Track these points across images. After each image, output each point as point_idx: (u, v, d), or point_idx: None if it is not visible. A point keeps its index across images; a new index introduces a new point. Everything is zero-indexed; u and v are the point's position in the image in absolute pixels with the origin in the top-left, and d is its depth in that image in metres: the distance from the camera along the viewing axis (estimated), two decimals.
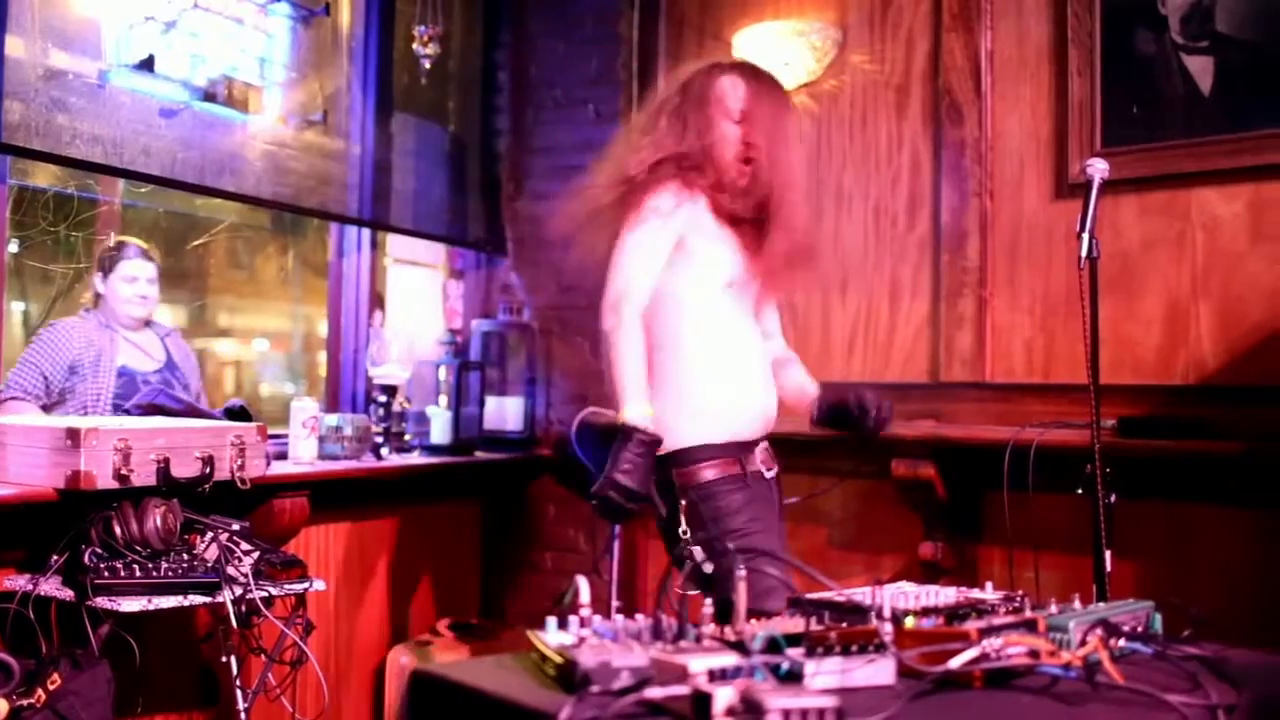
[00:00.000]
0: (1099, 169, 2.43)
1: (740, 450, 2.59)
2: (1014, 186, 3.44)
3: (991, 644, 1.23)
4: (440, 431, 4.12)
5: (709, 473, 2.53)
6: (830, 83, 3.81)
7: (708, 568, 2.11)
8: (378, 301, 4.26)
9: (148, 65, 3.21)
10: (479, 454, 4.16)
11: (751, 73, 2.73)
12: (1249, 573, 2.95)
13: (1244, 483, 2.95)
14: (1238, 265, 3.07)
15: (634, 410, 2.46)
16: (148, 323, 3.47)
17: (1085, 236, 2.36)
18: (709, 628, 1.30)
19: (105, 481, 2.58)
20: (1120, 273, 3.17)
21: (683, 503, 2.51)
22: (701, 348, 2.61)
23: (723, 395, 2.60)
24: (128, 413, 3.13)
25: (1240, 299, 3.06)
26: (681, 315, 2.61)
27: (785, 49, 3.80)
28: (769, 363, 2.78)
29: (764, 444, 2.70)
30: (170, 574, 2.58)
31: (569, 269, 4.16)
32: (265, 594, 2.70)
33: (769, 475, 2.68)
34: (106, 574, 2.52)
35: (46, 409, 3.18)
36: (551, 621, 1.30)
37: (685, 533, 2.48)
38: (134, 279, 3.37)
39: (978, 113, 3.49)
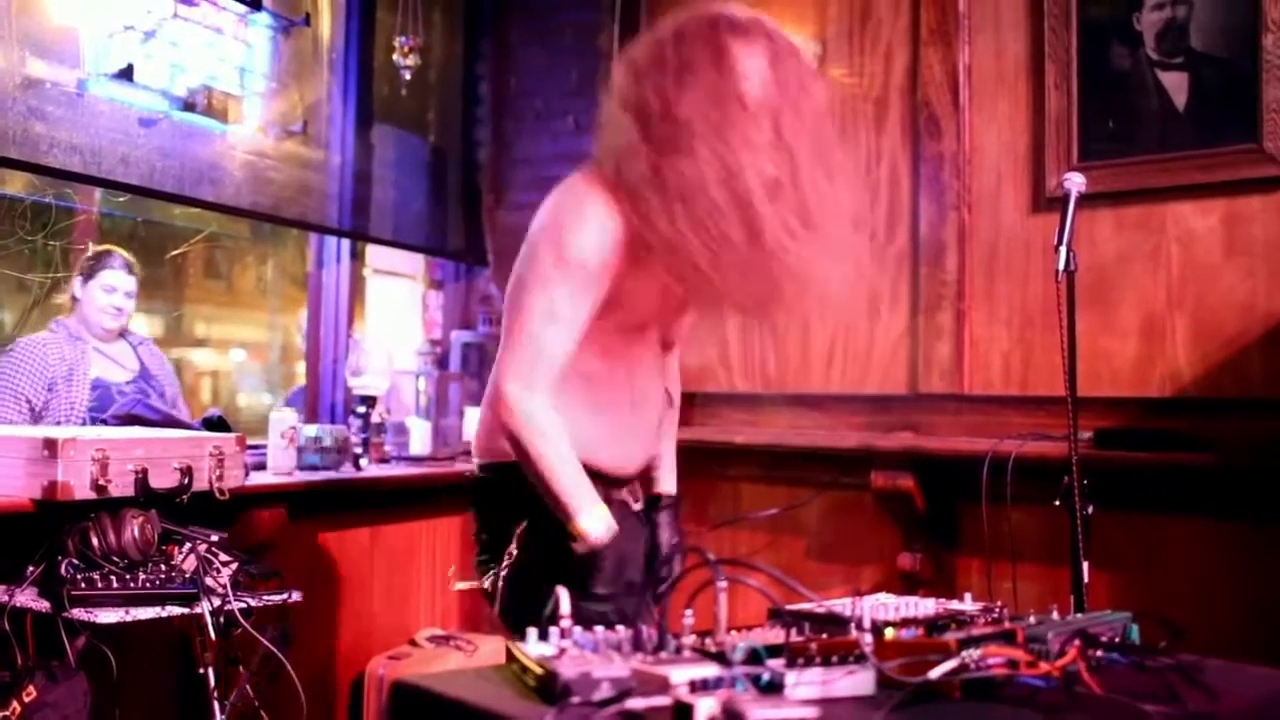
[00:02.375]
0: (1076, 183, 2.45)
1: (600, 481, 2.13)
2: (992, 200, 3.47)
3: (971, 655, 1.24)
4: (419, 442, 4.12)
5: None
6: None
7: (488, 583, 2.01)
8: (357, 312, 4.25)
9: (127, 74, 3.21)
10: (459, 465, 4.15)
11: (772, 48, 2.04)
12: (1225, 584, 2.97)
13: (1219, 494, 2.97)
14: (1212, 279, 3.10)
15: (593, 520, 2.01)
16: (121, 333, 3.45)
17: (1063, 250, 2.37)
18: (690, 639, 1.30)
19: (83, 492, 2.57)
20: (1097, 285, 3.19)
21: (523, 523, 2.10)
22: (582, 376, 2.13)
23: (594, 429, 2.15)
24: (105, 423, 3.12)
25: (1215, 312, 3.09)
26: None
27: None
28: (663, 413, 2.36)
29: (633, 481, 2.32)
30: (148, 585, 2.57)
31: None
32: (244, 605, 2.69)
33: (636, 507, 2.32)
34: (83, 585, 2.50)
35: None
36: (532, 632, 1.30)
37: (512, 554, 2.11)
38: (112, 289, 3.36)
39: (956, 126, 3.51)
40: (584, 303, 2.02)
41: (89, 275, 3.37)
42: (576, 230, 2.01)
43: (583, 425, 2.10)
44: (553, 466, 2.01)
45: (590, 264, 2.01)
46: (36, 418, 3.19)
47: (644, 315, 2.19)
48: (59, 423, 3.18)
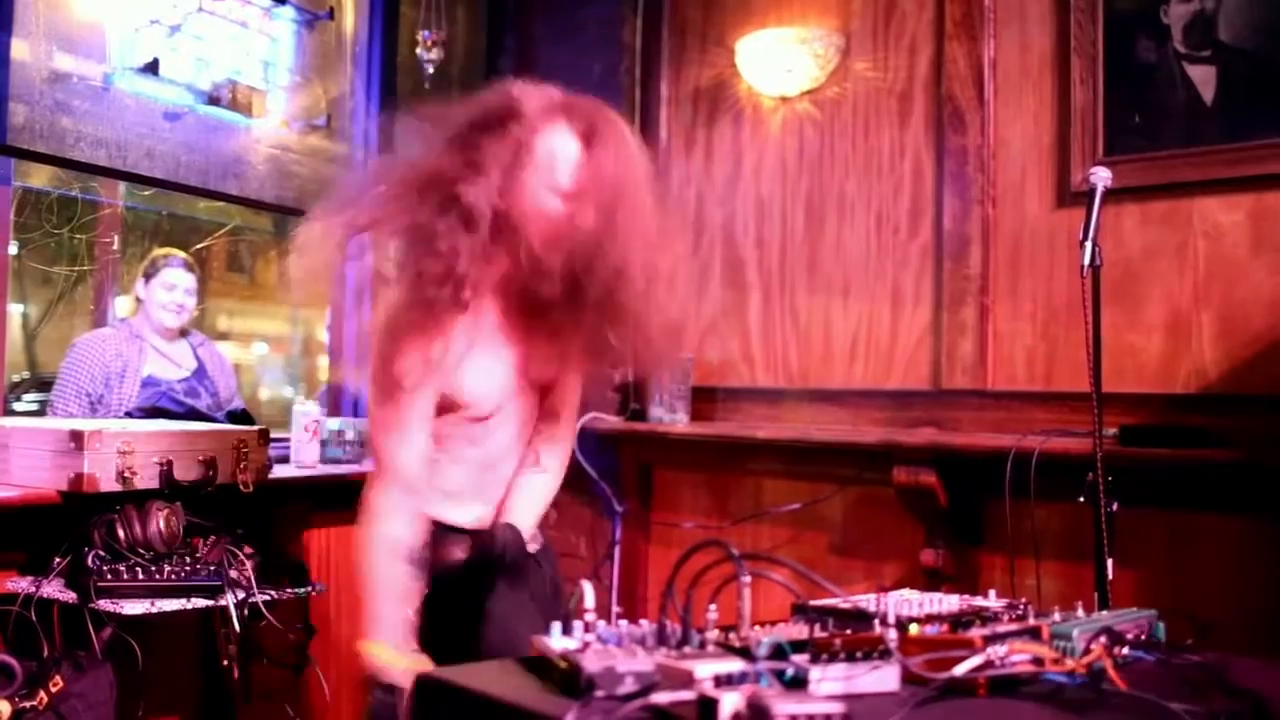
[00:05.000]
0: (1102, 177, 2.43)
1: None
2: (1016, 194, 3.45)
3: (996, 651, 1.23)
4: None
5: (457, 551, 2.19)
6: (833, 90, 3.82)
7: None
8: None
9: (152, 68, 3.22)
10: None
11: (586, 125, 2.09)
12: (1250, 581, 2.95)
13: (1245, 491, 2.95)
14: (1239, 274, 3.08)
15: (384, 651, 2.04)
16: (183, 333, 3.54)
17: (1088, 245, 2.36)
18: (714, 634, 1.30)
19: (109, 484, 2.59)
20: (1122, 281, 3.17)
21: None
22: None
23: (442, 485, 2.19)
24: (130, 416, 3.14)
25: (1242, 308, 3.07)
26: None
27: (788, 56, 3.81)
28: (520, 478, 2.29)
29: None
30: (173, 577, 2.59)
31: None
32: (267, 597, 2.70)
33: (533, 548, 2.27)
34: (109, 576, 2.52)
35: None
36: (556, 626, 1.30)
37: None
38: (172, 286, 3.48)
39: (980, 121, 3.50)
40: (418, 412, 2.08)
41: (150, 275, 3.49)
42: (390, 357, 2.07)
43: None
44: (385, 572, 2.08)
45: (410, 378, 2.05)
46: (95, 411, 3.27)
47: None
48: (109, 417, 3.22)
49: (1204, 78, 3.13)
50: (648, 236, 2.05)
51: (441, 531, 2.19)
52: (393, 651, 2.00)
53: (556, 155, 2.03)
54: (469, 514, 2.22)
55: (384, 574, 2.07)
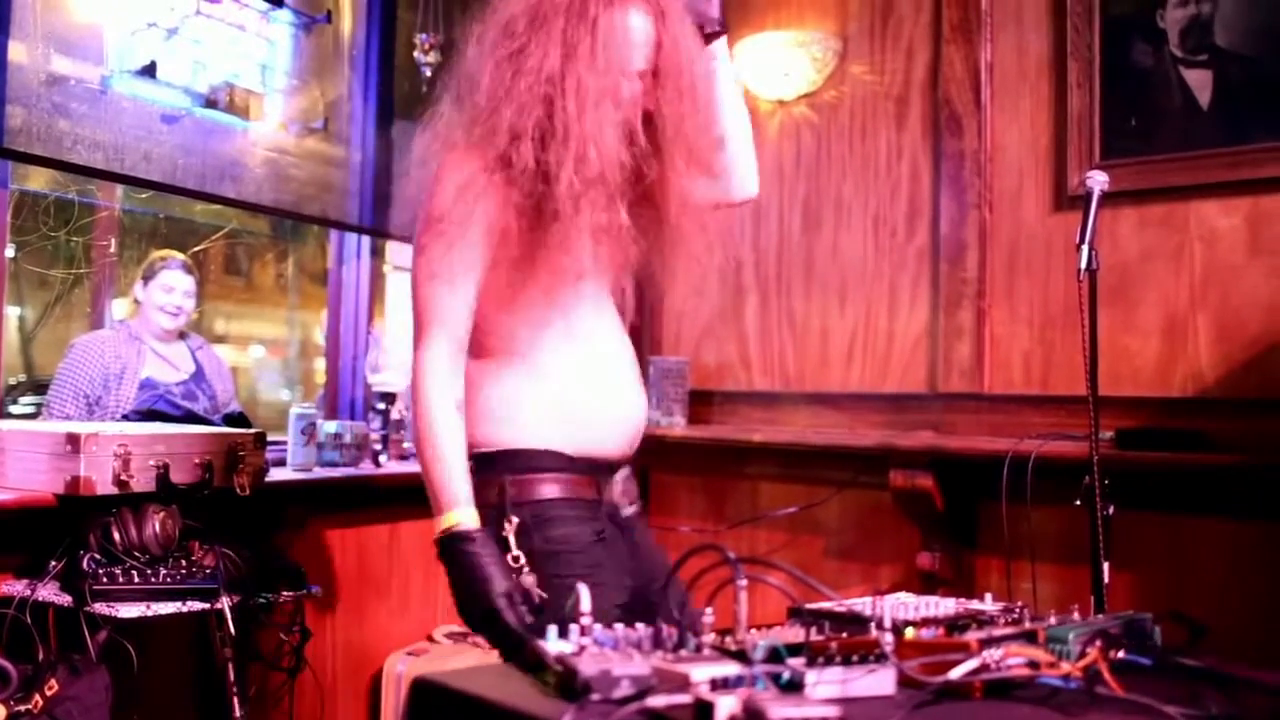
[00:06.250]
0: (1099, 181, 2.44)
1: (595, 470, 2.03)
2: (1013, 198, 3.45)
3: (992, 655, 1.23)
4: None
5: (549, 488, 1.96)
6: (830, 93, 3.83)
7: (537, 596, 1.79)
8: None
9: (150, 71, 3.22)
10: None
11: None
12: (1247, 585, 2.95)
13: (1242, 495, 2.95)
14: (1236, 278, 3.08)
15: (464, 514, 1.88)
16: (182, 335, 3.55)
17: (1085, 249, 2.36)
18: (710, 637, 1.30)
19: (105, 487, 2.58)
20: (1119, 285, 3.18)
21: (513, 520, 1.92)
22: (518, 352, 2.03)
23: (579, 396, 2.02)
24: (127, 419, 3.14)
25: (1238, 311, 3.07)
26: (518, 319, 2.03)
27: (785, 59, 3.81)
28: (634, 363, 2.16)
29: (626, 470, 2.13)
30: (169, 580, 2.58)
31: None
32: (263, 601, 2.70)
33: (627, 512, 2.12)
34: (105, 580, 2.52)
35: None
36: (552, 630, 1.30)
37: (518, 559, 1.89)
38: (171, 289, 3.49)
39: (977, 124, 3.50)
40: (461, 255, 1.92)
41: (149, 277, 3.50)
42: (432, 193, 1.95)
43: (531, 406, 1.98)
44: (427, 447, 1.91)
45: (451, 216, 1.91)
46: (92, 413, 3.27)
47: (565, 268, 2.00)
48: (105, 419, 3.22)
49: (1200, 82, 3.13)
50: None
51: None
52: (473, 515, 1.87)
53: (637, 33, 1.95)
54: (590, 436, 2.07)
55: (431, 430, 1.91)
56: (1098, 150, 3.26)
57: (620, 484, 2.10)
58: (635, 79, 1.96)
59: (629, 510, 2.13)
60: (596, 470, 2.02)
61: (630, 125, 1.94)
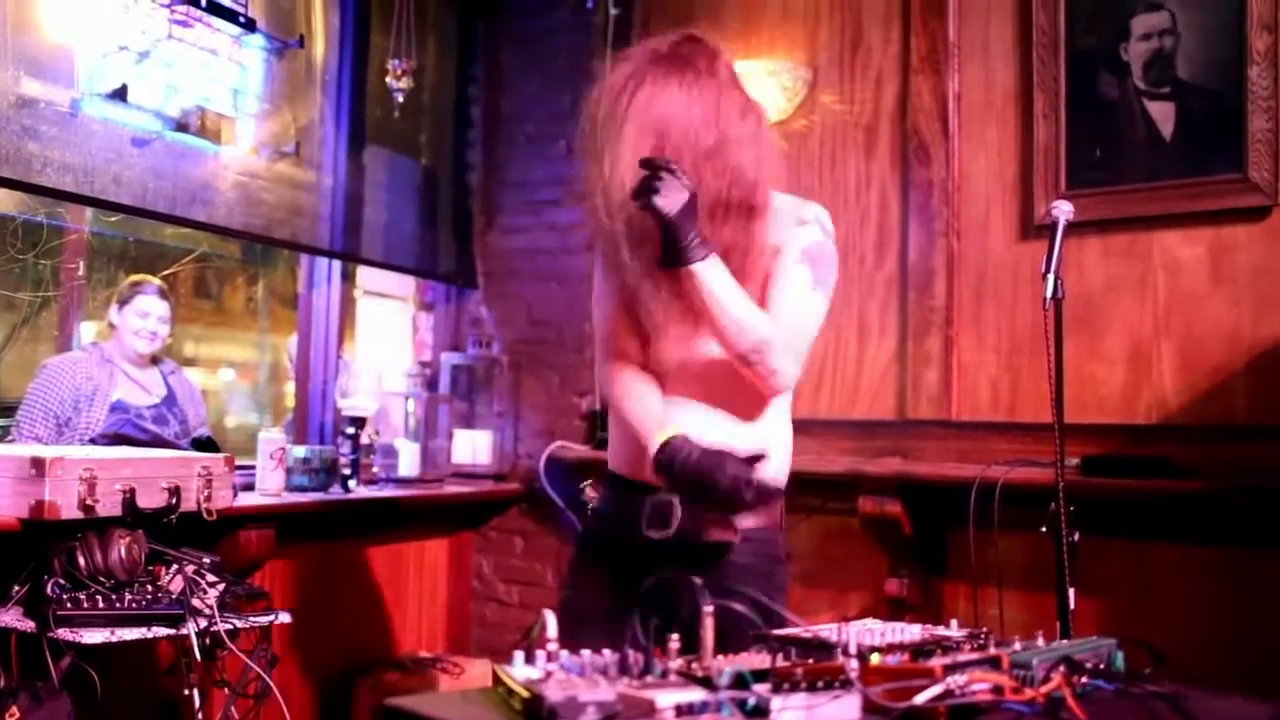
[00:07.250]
0: (1064, 211, 2.46)
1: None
2: (980, 227, 3.49)
3: (956, 681, 1.24)
4: (408, 464, 4.11)
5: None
6: (800, 122, 3.86)
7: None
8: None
9: (120, 94, 3.21)
10: (447, 487, 4.15)
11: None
12: (1210, 611, 2.98)
13: (1205, 522, 2.98)
14: (1199, 307, 3.12)
15: (670, 430, 1.98)
16: (155, 360, 3.52)
17: (1050, 277, 2.38)
18: (676, 663, 1.31)
19: (70, 512, 2.56)
20: (1084, 313, 3.21)
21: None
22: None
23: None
24: (94, 442, 3.12)
25: (1201, 340, 3.11)
26: None
27: (756, 88, 3.83)
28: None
29: None
30: (134, 605, 2.56)
31: (538, 303, 4.19)
32: (230, 626, 2.68)
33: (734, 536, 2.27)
34: (69, 605, 2.49)
35: None
36: (518, 656, 1.30)
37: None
38: (145, 314, 3.46)
39: (945, 154, 3.54)
40: (605, 282, 2.22)
41: (125, 301, 3.47)
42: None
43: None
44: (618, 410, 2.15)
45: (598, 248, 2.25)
46: (61, 434, 3.24)
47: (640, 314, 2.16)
48: (75, 443, 3.19)
49: (1163, 114, 3.18)
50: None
51: None
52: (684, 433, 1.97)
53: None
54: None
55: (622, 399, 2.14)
56: (1063, 180, 3.30)
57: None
58: None
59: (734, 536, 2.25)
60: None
61: None
